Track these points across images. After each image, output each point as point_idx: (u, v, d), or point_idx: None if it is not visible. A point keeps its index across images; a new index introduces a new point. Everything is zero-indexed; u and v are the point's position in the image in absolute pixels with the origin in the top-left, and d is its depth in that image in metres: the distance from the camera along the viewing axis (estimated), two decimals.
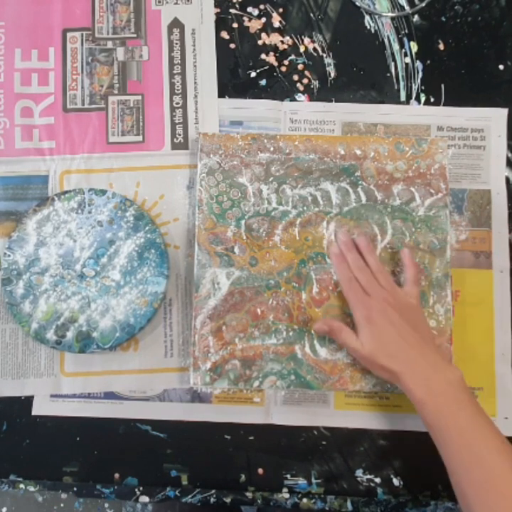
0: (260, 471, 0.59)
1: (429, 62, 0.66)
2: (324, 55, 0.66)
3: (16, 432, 0.60)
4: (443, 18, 0.67)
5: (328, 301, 0.59)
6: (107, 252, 0.59)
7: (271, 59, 0.66)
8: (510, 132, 0.64)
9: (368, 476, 0.59)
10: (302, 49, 0.66)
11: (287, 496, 0.59)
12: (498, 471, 0.46)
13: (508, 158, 0.64)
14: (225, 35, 0.66)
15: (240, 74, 0.66)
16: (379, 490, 0.59)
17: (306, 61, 0.66)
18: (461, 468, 0.47)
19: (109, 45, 0.65)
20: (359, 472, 0.59)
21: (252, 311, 0.59)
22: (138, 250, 0.59)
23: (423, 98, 0.65)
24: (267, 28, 0.67)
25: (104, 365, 0.60)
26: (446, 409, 0.49)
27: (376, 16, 0.67)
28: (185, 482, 0.59)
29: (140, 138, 0.64)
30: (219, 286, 0.59)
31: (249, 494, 0.59)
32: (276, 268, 0.59)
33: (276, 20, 0.67)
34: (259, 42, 0.66)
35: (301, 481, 0.59)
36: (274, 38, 0.66)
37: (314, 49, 0.66)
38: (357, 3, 0.67)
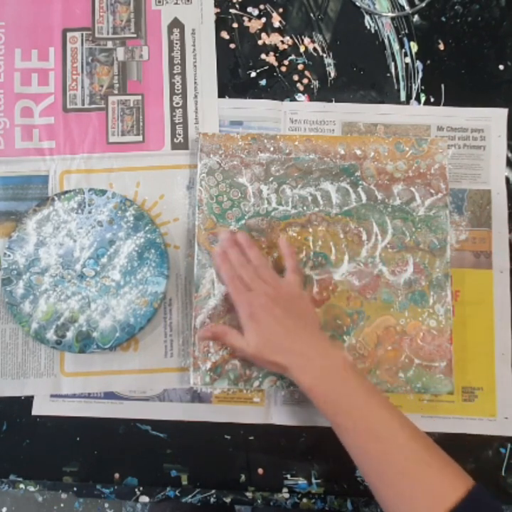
0: (260, 471, 0.59)
1: (429, 62, 0.66)
2: (324, 55, 0.66)
3: (16, 432, 0.60)
4: (443, 18, 0.67)
5: (328, 301, 0.59)
6: (107, 252, 0.59)
7: (271, 59, 0.66)
8: (510, 132, 0.64)
9: None
10: (302, 49, 0.66)
11: (287, 495, 0.59)
12: (395, 444, 0.47)
13: (508, 158, 0.64)
14: (225, 35, 0.66)
15: (240, 74, 0.66)
16: None
17: (306, 61, 0.66)
18: (360, 449, 0.48)
19: (109, 45, 0.65)
20: (359, 472, 0.59)
21: None
22: (138, 250, 0.59)
23: (423, 98, 0.65)
24: (267, 28, 0.67)
25: (104, 365, 0.60)
26: (335, 392, 0.50)
27: (376, 16, 0.67)
28: (185, 482, 0.59)
29: (140, 138, 0.64)
30: (219, 286, 0.59)
31: (249, 494, 0.59)
32: (276, 268, 0.59)
33: (276, 20, 0.67)
34: (259, 42, 0.66)
35: (301, 481, 0.59)
36: (274, 38, 0.66)
37: (314, 49, 0.66)
38: (357, 3, 0.67)
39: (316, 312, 0.57)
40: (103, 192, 0.60)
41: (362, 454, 0.48)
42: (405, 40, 0.66)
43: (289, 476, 0.59)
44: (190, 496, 0.60)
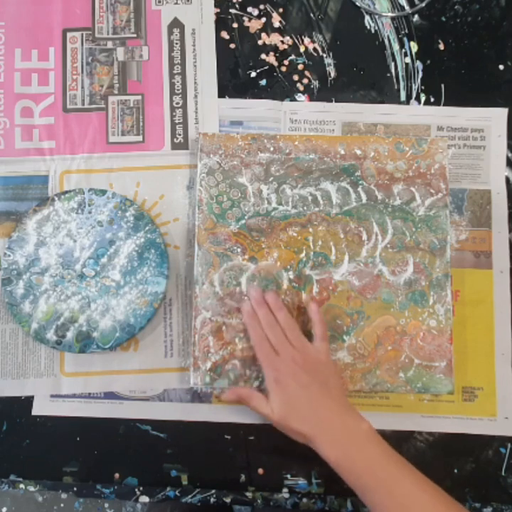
0: (260, 471, 0.59)
1: (429, 62, 0.66)
2: (324, 55, 0.66)
3: (15, 432, 0.60)
4: (443, 18, 0.67)
5: (328, 301, 0.59)
6: (107, 252, 0.59)
7: (271, 59, 0.66)
8: (510, 132, 0.64)
9: None
10: (302, 49, 0.66)
11: (287, 495, 0.59)
12: None
13: (508, 158, 0.64)
14: (225, 35, 0.66)
15: (240, 74, 0.66)
16: None
17: (306, 61, 0.66)
18: None
19: (109, 45, 0.65)
20: None
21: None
22: (138, 250, 0.59)
23: (423, 98, 0.65)
24: (267, 28, 0.67)
25: (104, 365, 0.60)
26: (360, 467, 0.49)
27: (376, 16, 0.67)
28: (185, 482, 0.59)
29: (140, 138, 0.64)
30: (219, 286, 0.59)
31: (249, 494, 0.59)
32: (276, 268, 0.59)
33: (276, 20, 0.67)
34: (259, 42, 0.66)
35: (301, 481, 0.59)
36: (274, 38, 0.66)
37: (314, 49, 0.66)
38: (357, 3, 0.67)
39: (341, 382, 0.57)
40: (103, 192, 0.60)
41: None
42: (405, 40, 0.66)
43: (289, 476, 0.59)
44: (190, 496, 0.60)
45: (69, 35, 0.65)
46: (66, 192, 0.60)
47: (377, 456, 0.50)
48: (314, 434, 0.51)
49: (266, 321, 0.56)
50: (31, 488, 0.60)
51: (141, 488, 0.60)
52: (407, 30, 0.67)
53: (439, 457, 0.59)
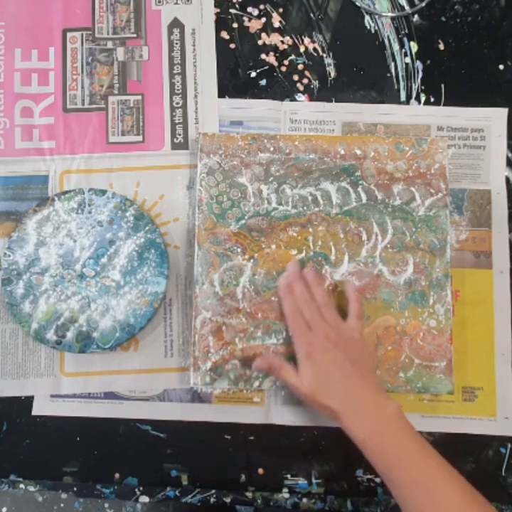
0: (260, 471, 0.59)
1: (429, 62, 0.66)
2: (324, 55, 0.66)
3: (15, 432, 0.60)
4: (443, 18, 0.67)
5: None
6: (107, 252, 0.59)
7: (271, 59, 0.66)
8: (510, 132, 0.64)
9: (368, 476, 0.59)
10: (302, 49, 0.66)
11: (287, 495, 0.59)
12: (448, 502, 0.46)
13: (508, 158, 0.64)
14: (225, 35, 0.66)
15: (240, 74, 0.66)
16: (379, 490, 0.59)
17: (306, 61, 0.66)
18: (411, 502, 0.47)
19: (109, 45, 0.65)
20: (359, 472, 0.59)
21: (252, 311, 0.59)
22: (138, 250, 0.59)
23: (423, 98, 0.65)
24: (267, 28, 0.67)
25: (104, 365, 0.60)
26: (387, 446, 0.49)
27: (376, 16, 0.67)
28: (185, 482, 0.59)
29: (140, 138, 0.64)
30: (219, 286, 0.59)
31: (249, 494, 0.59)
32: (277, 268, 0.59)
33: (276, 20, 0.67)
34: (259, 42, 0.66)
35: (301, 481, 0.59)
36: (274, 38, 0.66)
37: (314, 49, 0.66)
38: (357, 3, 0.67)
39: (374, 362, 0.57)
40: (103, 192, 0.60)
41: (413, 507, 0.47)
42: (405, 40, 0.66)
43: (289, 476, 0.59)
44: (190, 496, 0.60)
45: (69, 35, 0.65)
46: (66, 192, 0.60)
47: (408, 437, 0.49)
48: (342, 411, 0.51)
49: (302, 297, 0.56)
50: (31, 488, 0.60)
51: (141, 488, 0.60)
52: (407, 30, 0.67)
53: None
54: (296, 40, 0.66)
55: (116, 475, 0.59)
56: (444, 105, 0.65)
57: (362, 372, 0.53)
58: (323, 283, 0.58)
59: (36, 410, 0.60)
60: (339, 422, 0.51)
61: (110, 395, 0.60)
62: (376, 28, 0.67)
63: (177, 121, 0.64)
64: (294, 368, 0.54)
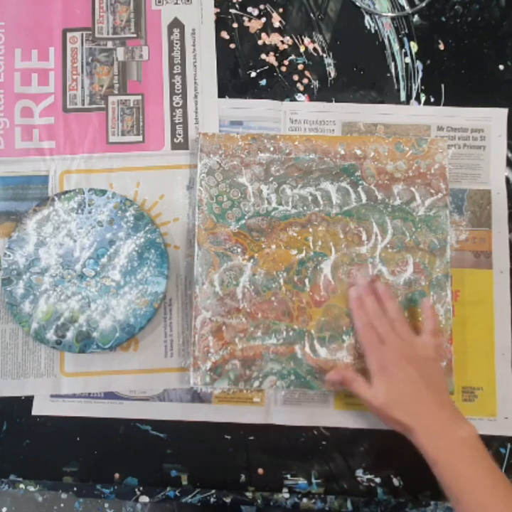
0: (260, 471, 0.59)
1: (429, 62, 0.66)
2: (324, 55, 0.66)
3: (16, 432, 0.60)
4: (443, 18, 0.67)
5: (328, 301, 0.59)
6: (107, 252, 0.59)
7: (271, 59, 0.66)
8: (510, 132, 0.64)
9: (368, 476, 0.59)
10: (302, 49, 0.66)
11: (287, 495, 0.59)
12: None
13: (508, 158, 0.64)
14: (225, 35, 0.66)
15: (240, 74, 0.66)
16: (379, 490, 0.59)
17: (306, 61, 0.66)
18: None
19: (109, 45, 0.65)
20: (359, 472, 0.59)
21: (252, 311, 0.59)
22: (138, 250, 0.59)
23: (423, 98, 0.65)
24: (267, 28, 0.67)
25: (104, 365, 0.60)
26: (459, 468, 0.48)
27: (376, 16, 0.67)
28: (185, 482, 0.59)
29: (140, 138, 0.64)
30: (219, 286, 0.59)
31: (249, 494, 0.59)
32: (277, 268, 0.59)
33: (276, 20, 0.67)
34: (259, 42, 0.66)
35: (301, 481, 0.59)
36: (274, 38, 0.66)
37: (314, 49, 0.66)
38: (357, 3, 0.67)
39: (446, 379, 0.56)
40: (103, 192, 0.60)
41: None
42: (405, 40, 0.66)
43: (289, 476, 0.59)
44: (190, 496, 0.60)
45: (69, 35, 0.65)
46: (66, 192, 0.60)
47: (484, 463, 0.48)
48: (415, 427, 0.50)
49: (373, 310, 0.56)
50: (31, 488, 0.60)
51: (141, 488, 0.60)
52: (407, 30, 0.67)
53: None
54: (296, 40, 0.66)
55: (116, 475, 0.59)
56: (444, 105, 0.65)
57: (436, 388, 0.52)
58: (395, 297, 0.58)
59: (36, 410, 0.60)
60: (411, 437, 0.51)
61: (110, 395, 0.60)
62: (376, 28, 0.67)
63: (177, 121, 0.64)
64: (366, 381, 0.54)
